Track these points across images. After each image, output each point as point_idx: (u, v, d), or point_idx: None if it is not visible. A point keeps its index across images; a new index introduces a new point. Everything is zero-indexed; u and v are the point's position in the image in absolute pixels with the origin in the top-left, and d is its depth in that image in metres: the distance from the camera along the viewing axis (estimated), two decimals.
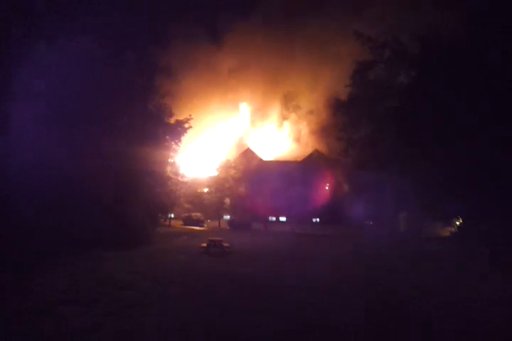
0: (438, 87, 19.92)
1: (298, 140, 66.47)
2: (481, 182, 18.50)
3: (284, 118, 69.72)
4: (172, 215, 47.45)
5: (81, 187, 19.74)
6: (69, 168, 18.95)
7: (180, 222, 48.09)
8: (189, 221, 47.96)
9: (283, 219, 57.65)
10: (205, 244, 21.64)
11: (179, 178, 41.93)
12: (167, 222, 44.18)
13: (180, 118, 31.35)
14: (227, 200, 53.54)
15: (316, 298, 11.38)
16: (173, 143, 30.97)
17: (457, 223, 29.63)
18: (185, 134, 31.68)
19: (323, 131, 56.37)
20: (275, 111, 70.07)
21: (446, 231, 32.56)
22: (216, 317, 8.96)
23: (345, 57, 35.87)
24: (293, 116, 68.46)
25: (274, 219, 56.94)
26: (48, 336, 7.41)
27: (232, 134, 68.24)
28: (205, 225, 48.02)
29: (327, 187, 60.66)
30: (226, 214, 55.69)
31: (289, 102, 69.74)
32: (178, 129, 30.71)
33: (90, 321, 8.28)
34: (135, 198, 24.31)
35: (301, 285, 13.10)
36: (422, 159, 21.31)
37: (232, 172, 51.34)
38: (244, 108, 70.40)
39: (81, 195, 19.77)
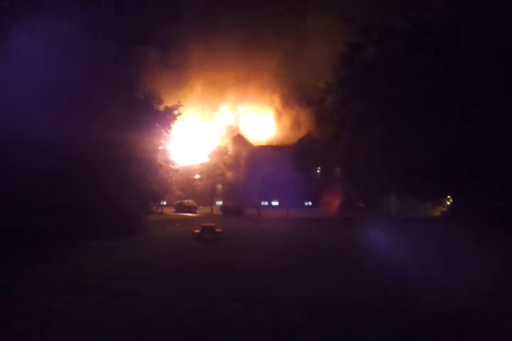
0: (428, 67, 19.94)
1: (290, 124, 66.10)
2: (468, 166, 18.71)
3: (275, 102, 69.14)
4: (164, 202, 47.41)
5: (71, 176, 19.64)
6: (59, 157, 18.82)
7: (173, 209, 48.08)
8: (181, 208, 47.96)
9: (275, 203, 57.82)
10: (198, 230, 21.71)
11: (170, 165, 41.82)
12: (159, 210, 44.16)
13: (170, 105, 31.13)
14: (219, 186, 53.53)
15: (294, 280, 11.53)
16: (163, 130, 30.78)
17: (448, 203, 29.94)
18: (175, 121, 31.51)
19: (315, 114, 56.05)
20: (265, 96, 69.51)
21: (437, 212, 33.07)
22: (208, 305, 9.04)
23: (334, 37, 35.54)
24: (283, 100, 67.85)
25: (266, 203, 57.07)
26: (42, 327, 7.41)
27: (223, 120, 67.76)
28: (198, 211, 48.09)
29: (319, 171, 60.88)
30: (218, 200, 55.74)
31: (278, 86, 69.02)
32: (167, 116, 30.49)
33: (86, 311, 8.31)
34: (127, 186, 24.21)
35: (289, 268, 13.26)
36: (412, 139, 21.44)
37: (224, 158, 51.27)
38: (234, 94, 69.67)
39: (72, 184, 19.68)
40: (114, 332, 7.25)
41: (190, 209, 47.80)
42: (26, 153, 17.58)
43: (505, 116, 17.10)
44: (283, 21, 65.74)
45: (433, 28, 19.73)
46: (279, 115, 67.21)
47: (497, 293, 10.08)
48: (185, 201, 49.33)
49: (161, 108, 30.38)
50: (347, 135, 29.47)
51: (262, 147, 62.20)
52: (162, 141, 32.74)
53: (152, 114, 28.99)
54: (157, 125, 29.93)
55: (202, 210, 49.36)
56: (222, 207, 48.80)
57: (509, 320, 8.05)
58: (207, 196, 51.48)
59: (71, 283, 10.56)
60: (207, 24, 66.61)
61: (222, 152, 51.53)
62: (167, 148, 37.69)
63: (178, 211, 47.42)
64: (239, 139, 60.96)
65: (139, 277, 11.69)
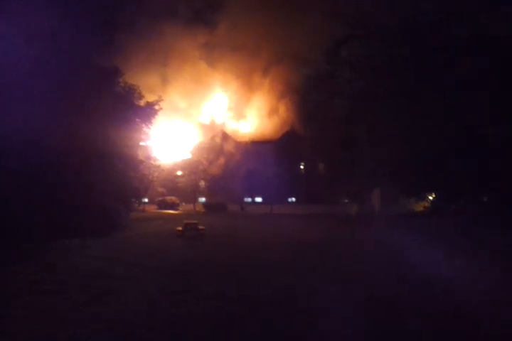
0: (410, 66, 19.87)
1: (273, 119, 65.84)
2: (452, 161, 18.73)
3: (260, 97, 68.66)
4: (146, 200, 46.81)
5: (51, 173, 19.05)
6: (37, 154, 18.23)
7: (155, 206, 47.61)
8: (164, 205, 47.50)
9: (259, 199, 57.75)
10: (180, 228, 21.46)
11: (152, 162, 41.10)
12: (141, 207, 43.52)
13: (150, 99, 30.57)
14: (202, 183, 53.16)
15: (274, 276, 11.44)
16: (143, 125, 30.22)
17: (430, 198, 30.12)
18: (156, 116, 31.00)
19: (298, 109, 55.85)
20: (250, 91, 68.99)
21: (420, 207, 33.26)
22: (192, 302, 8.81)
23: (318, 34, 35.40)
24: (268, 95, 67.44)
25: (249, 200, 56.95)
26: (29, 326, 7.20)
27: (206, 116, 67.21)
28: (180, 208, 47.70)
29: (302, 167, 60.92)
30: (201, 197, 55.36)
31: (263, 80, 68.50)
32: (148, 111, 29.94)
33: (72, 310, 8.08)
34: (108, 183, 23.70)
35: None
36: (396, 136, 21.41)
37: (206, 154, 50.93)
38: (218, 88, 69.01)
39: (52, 181, 19.11)
40: (101, 330, 7.04)
41: (172, 205, 47.38)
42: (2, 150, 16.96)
43: (493, 113, 17.17)
44: (274, 12, 64.86)
45: (421, 25, 19.64)
46: (262, 110, 66.93)
47: None
48: (168, 198, 48.85)
49: (142, 103, 29.81)
50: (332, 131, 29.39)
51: (245, 143, 61.88)
52: (143, 137, 32.14)
53: (133, 108, 28.43)
54: (137, 120, 29.36)
55: (185, 207, 48.96)
56: (205, 204, 48.49)
57: None
58: (190, 193, 51.06)
59: (55, 282, 10.24)
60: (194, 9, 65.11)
61: (205, 148, 51.18)
62: (148, 143, 37.03)
63: (160, 208, 46.94)
64: (222, 135, 60.58)
65: (123, 275, 11.42)
